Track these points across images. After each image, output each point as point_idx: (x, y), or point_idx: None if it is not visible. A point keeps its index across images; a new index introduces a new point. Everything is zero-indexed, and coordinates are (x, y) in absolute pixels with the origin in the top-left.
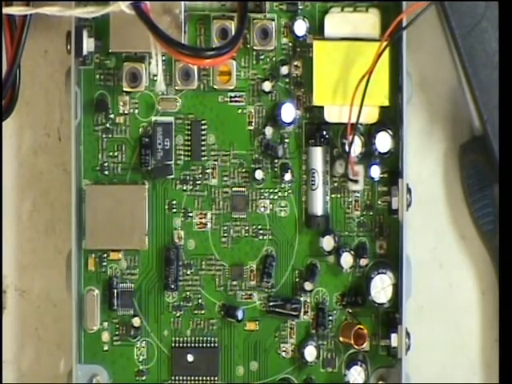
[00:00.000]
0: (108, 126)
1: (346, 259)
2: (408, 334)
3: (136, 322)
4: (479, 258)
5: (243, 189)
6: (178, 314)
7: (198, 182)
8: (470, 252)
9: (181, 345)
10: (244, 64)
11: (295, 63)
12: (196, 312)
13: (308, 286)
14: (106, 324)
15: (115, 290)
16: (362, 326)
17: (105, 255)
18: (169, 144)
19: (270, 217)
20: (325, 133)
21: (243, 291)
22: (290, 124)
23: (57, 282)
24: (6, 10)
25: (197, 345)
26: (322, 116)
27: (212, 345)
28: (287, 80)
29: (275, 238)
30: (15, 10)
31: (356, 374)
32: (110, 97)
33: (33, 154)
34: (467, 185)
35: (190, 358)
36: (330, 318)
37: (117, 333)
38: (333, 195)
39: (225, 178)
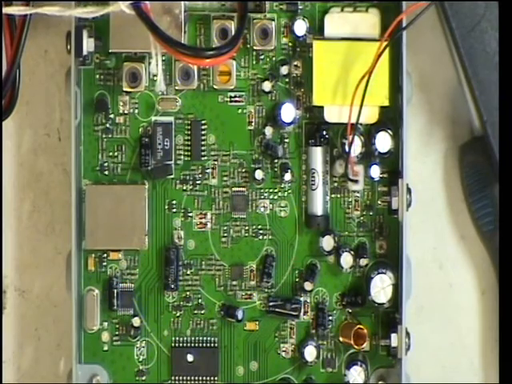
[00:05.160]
0: (108, 126)
1: (346, 259)
2: (408, 334)
3: (136, 321)
4: (479, 258)
5: (243, 189)
6: (177, 314)
7: (198, 182)
8: (470, 252)
9: (181, 345)
10: (244, 64)
11: (295, 63)
12: (196, 312)
13: (308, 286)
14: (105, 324)
15: (115, 290)
16: (361, 326)
17: (105, 255)
18: (169, 144)
19: (270, 217)
20: (325, 133)
21: (243, 291)
22: (289, 124)
23: (57, 282)
24: (5, 10)
25: (197, 345)
26: (322, 116)
27: (212, 345)
28: (287, 80)
29: (275, 238)
30: (15, 10)
31: (356, 374)
32: (110, 97)
33: (33, 154)
34: (467, 185)
35: (189, 357)
36: (330, 318)
37: (117, 333)
38: (333, 195)
39: (225, 178)
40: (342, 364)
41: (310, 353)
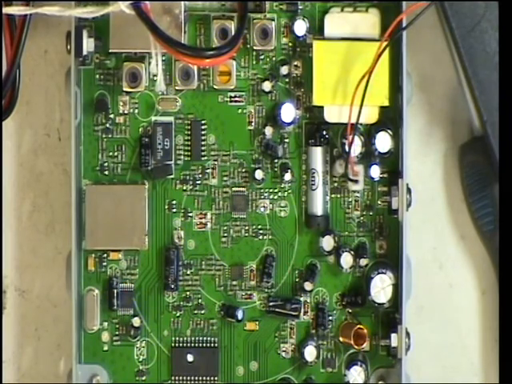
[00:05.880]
0: (108, 126)
1: (346, 259)
2: (408, 334)
3: (136, 322)
4: (479, 258)
5: (243, 189)
6: (177, 314)
7: (198, 182)
8: (470, 252)
9: (181, 345)
10: (244, 64)
11: (295, 63)
12: (196, 312)
13: (308, 286)
14: (105, 324)
15: (115, 290)
16: (361, 326)
17: (105, 255)
18: (169, 144)
19: (270, 217)
20: (325, 133)
21: (243, 291)
22: (289, 124)
23: (57, 282)
24: (5, 10)
25: (197, 345)
26: (322, 116)
27: (212, 345)
28: (287, 80)
29: (275, 238)
30: (15, 10)
31: (356, 374)
32: (110, 97)
33: (33, 154)
34: (467, 185)
35: (189, 357)
36: (330, 318)
37: (117, 333)
38: (333, 195)
39: (225, 178)
40: (341, 364)
41: (309, 353)
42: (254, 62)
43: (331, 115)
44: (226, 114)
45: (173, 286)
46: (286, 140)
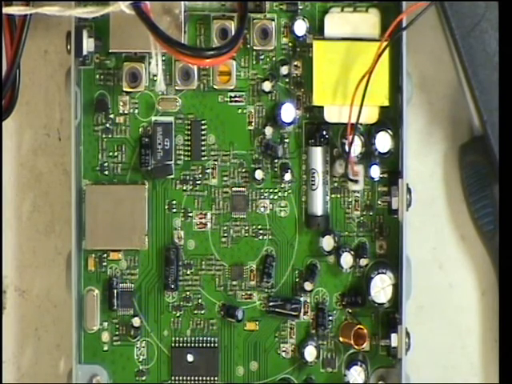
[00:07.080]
0: (108, 126)
1: (346, 259)
2: (408, 334)
3: (136, 322)
4: (479, 258)
5: (243, 189)
6: (177, 314)
7: (198, 182)
8: (470, 252)
9: (181, 345)
10: (244, 64)
11: (295, 63)
12: (196, 312)
13: (308, 286)
14: (105, 324)
15: (115, 290)
16: (361, 326)
17: (105, 255)
18: (169, 144)
19: (270, 217)
20: (325, 133)
21: (243, 291)
22: (289, 124)
23: (57, 282)
24: (5, 10)
25: (197, 345)
26: (322, 116)
27: (212, 345)
28: (287, 80)
29: (275, 238)
30: (15, 10)
31: (356, 374)
32: (110, 97)
33: (33, 154)
34: (467, 185)
35: (189, 358)
36: (330, 318)
37: (117, 333)
38: (333, 195)
39: (225, 178)
40: (341, 364)
41: (310, 353)
42: (254, 62)
43: (331, 115)
44: (226, 113)
45: (173, 286)
46: (286, 140)
